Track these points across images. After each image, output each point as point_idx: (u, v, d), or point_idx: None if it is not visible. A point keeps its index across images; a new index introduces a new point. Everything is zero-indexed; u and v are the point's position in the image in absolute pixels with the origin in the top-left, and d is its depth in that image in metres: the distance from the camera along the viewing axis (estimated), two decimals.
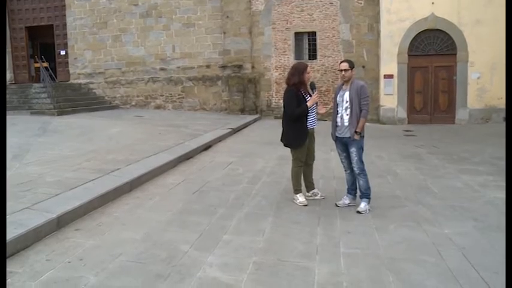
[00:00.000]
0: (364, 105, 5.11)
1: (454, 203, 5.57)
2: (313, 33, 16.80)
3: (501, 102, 14.59)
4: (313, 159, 5.75)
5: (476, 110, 14.82)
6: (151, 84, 18.38)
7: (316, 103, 5.50)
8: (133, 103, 18.67)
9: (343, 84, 5.32)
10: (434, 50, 14.97)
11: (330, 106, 5.78)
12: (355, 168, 5.23)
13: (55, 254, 3.89)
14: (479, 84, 14.77)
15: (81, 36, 18.92)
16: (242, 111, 16.88)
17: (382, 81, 15.28)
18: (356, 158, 5.17)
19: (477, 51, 14.54)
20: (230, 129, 12.16)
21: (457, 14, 14.52)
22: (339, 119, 5.28)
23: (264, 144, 10.40)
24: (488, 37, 14.28)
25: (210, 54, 17.69)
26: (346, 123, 5.18)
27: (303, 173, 5.63)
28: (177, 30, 17.90)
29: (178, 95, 18.11)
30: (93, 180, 5.88)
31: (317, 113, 5.59)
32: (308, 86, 5.51)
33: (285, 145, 5.60)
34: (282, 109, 5.61)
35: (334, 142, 5.55)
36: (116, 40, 18.64)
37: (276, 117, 16.32)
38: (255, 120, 15.63)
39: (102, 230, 4.51)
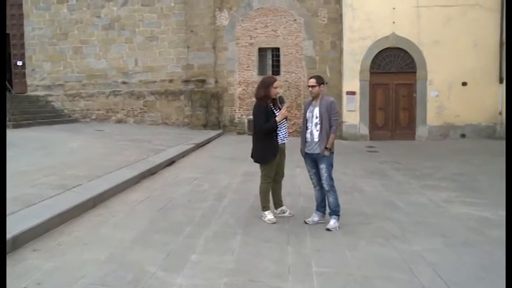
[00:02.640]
0: (334, 121, 5.09)
1: (421, 219, 5.62)
2: (277, 49, 16.91)
3: (458, 120, 15.14)
4: (283, 176, 5.67)
5: (435, 127, 15.23)
6: (113, 98, 17.94)
7: (286, 117, 5.44)
8: (93, 117, 18.15)
9: (312, 100, 5.29)
10: (395, 68, 15.34)
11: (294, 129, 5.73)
12: (324, 185, 5.17)
13: (10, 278, 3.59)
14: (437, 102, 15.22)
15: (40, 47, 18.30)
16: (205, 126, 16.69)
17: (344, 97, 15.48)
18: (326, 174, 5.12)
19: (435, 70, 15.00)
20: (193, 145, 11.96)
21: (417, 33, 14.96)
22: (308, 135, 5.22)
23: (228, 160, 10.29)
24: (446, 57, 14.80)
25: (173, 68, 17.47)
26: (316, 139, 5.13)
27: (271, 190, 5.52)
28: (140, 43, 17.62)
29: (140, 109, 17.75)
30: (52, 196, 5.59)
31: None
32: (277, 101, 5.46)
33: (255, 161, 5.50)
34: (253, 124, 5.52)
35: (300, 158, 5.50)
36: (77, 52, 18.14)
37: (239, 133, 16.27)
38: (217, 136, 15.47)
39: (62, 251, 4.25)
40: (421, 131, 15.31)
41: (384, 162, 10.48)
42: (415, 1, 14.91)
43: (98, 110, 18.07)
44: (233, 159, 10.11)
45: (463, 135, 15.19)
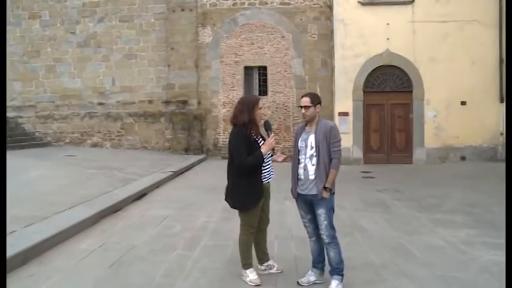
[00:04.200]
0: (335, 152, 3.90)
1: (444, 272, 4.46)
2: (264, 68, 15.95)
3: (457, 142, 14.20)
4: (267, 223, 4.41)
5: (433, 149, 14.23)
6: (88, 120, 16.72)
7: (273, 149, 4.21)
8: (67, 140, 16.87)
9: (306, 125, 4.12)
10: (390, 87, 14.36)
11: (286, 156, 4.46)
12: (323, 236, 3.94)
13: None
14: (435, 123, 14.25)
15: (9, 65, 17.03)
16: (187, 150, 15.52)
17: (336, 119, 14.40)
18: (325, 222, 3.90)
19: (432, 89, 14.08)
20: (171, 173, 10.72)
21: (412, 50, 14.05)
22: (301, 171, 4.00)
23: (208, 191, 9.03)
24: (443, 75, 13.93)
25: (152, 88, 16.36)
26: (312, 177, 3.92)
27: (254, 241, 4.26)
28: (118, 61, 16.51)
29: (118, 132, 16.52)
30: None
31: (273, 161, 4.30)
32: (262, 126, 4.25)
33: (232, 206, 4.25)
34: (229, 158, 4.28)
35: (292, 195, 4.27)
36: (50, 71, 16.96)
37: (223, 158, 15.06)
38: (200, 161, 14.27)
39: None
40: (418, 153, 14.27)
41: (383, 190, 9.41)
42: (410, 16, 14.04)
43: (72, 133, 16.86)
44: (214, 190, 8.86)
45: (463, 158, 14.21)
